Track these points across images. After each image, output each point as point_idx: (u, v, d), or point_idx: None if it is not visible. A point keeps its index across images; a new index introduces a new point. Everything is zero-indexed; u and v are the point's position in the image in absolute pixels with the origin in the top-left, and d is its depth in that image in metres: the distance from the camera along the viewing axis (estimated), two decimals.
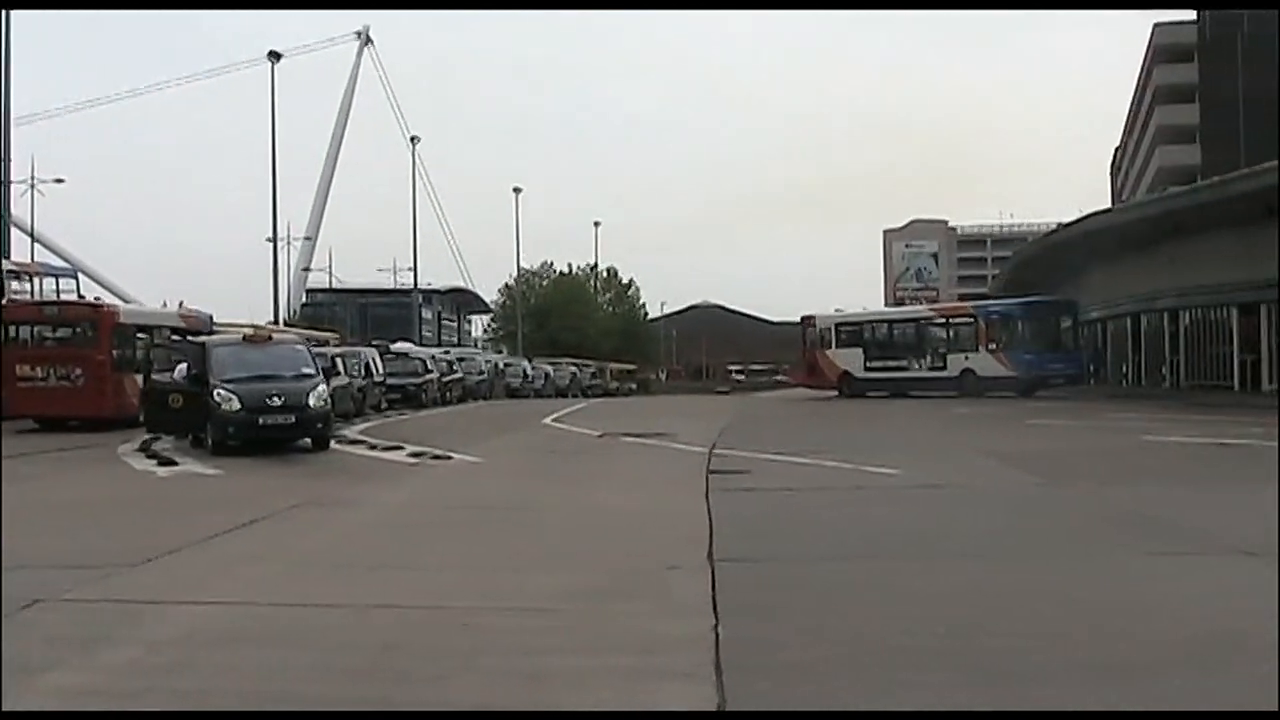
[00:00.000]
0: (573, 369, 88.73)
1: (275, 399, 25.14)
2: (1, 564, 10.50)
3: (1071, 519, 14.35)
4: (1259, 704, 6.65)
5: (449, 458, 23.66)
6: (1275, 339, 48.91)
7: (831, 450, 23.30)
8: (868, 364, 60.07)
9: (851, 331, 62.42)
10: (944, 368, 56.65)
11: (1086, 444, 26.66)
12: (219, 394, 24.93)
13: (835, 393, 60.16)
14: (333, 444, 26.38)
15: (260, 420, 24.88)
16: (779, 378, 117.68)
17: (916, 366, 58.24)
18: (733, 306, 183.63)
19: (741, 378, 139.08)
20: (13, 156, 56.67)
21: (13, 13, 53.47)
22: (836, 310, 69.97)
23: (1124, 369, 69.10)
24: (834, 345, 62.06)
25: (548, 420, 38.14)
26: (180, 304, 44.27)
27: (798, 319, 67.62)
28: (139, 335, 35.24)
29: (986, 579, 10.47)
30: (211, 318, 40.19)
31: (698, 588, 9.79)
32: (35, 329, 35.16)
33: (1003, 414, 39.09)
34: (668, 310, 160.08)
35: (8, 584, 9.55)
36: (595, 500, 16.88)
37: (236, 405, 24.83)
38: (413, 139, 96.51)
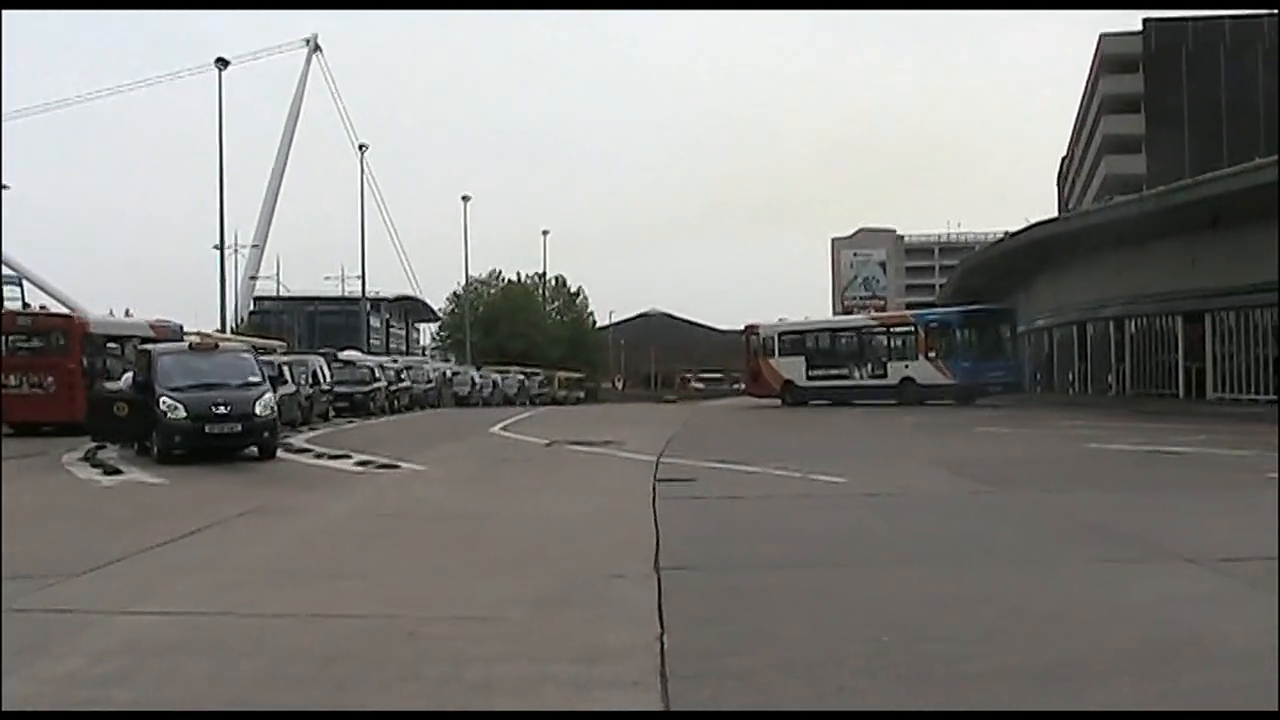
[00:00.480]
0: (520, 377, 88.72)
1: (221, 407, 25.02)
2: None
3: (1017, 526, 14.43)
4: (1211, 707, 6.76)
5: (396, 466, 23.60)
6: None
7: (778, 458, 23.33)
8: (810, 372, 60.24)
9: (794, 340, 62.61)
10: (884, 376, 56.84)
11: (1033, 451, 26.79)
12: (165, 402, 24.82)
13: (779, 401, 60.36)
14: (279, 452, 26.28)
15: (206, 429, 24.79)
16: (738, 386, 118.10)
17: (858, 375, 58.40)
18: (681, 315, 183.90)
19: (701, 386, 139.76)
20: None
21: None
22: (780, 319, 70.17)
23: (1070, 377, 69.54)
24: (777, 354, 62.25)
25: (495, 428, 38.11)
26: (127, 311, 44.29)
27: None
28: (109, 344, 35.97)
29: (932, 586, 10.53)
30: (182, 328, 40.55)
31: (644, 596, 9.81)
32: (9, 339, 35.94)
33: (950, 422, 39.30)
34: (616, 318, 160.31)
35: None
36: (542, 508, 16.86)
37: (182, 413, 24.72)
38: (361, 147, 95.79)
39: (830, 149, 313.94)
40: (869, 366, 58.05)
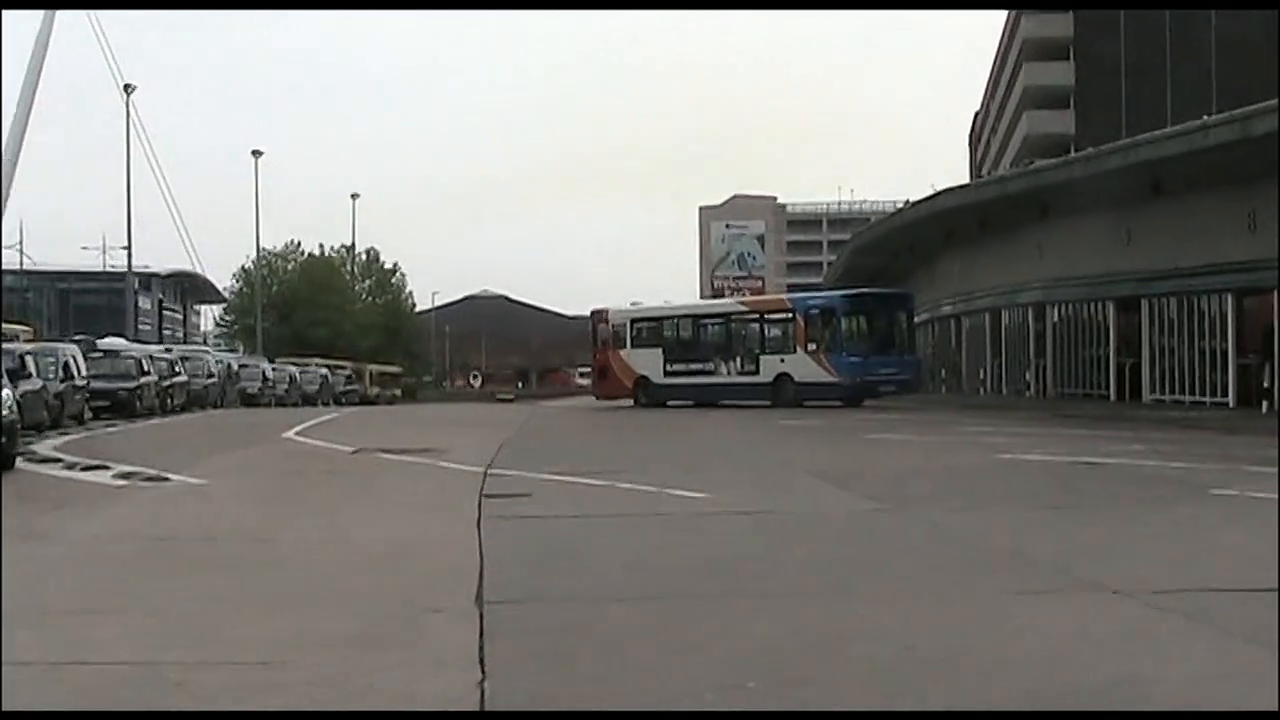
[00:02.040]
0: (323, 372, 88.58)
1: None
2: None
3: (913, 551, 14.56)
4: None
5: (166, 479, 23.41)
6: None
7: (629, 470, 23.52)
8: (669, 367, 60.15)
9: (650, 329, 62.45)
10: (756, 372, 56.79)
11: (934, 463, 27.07)
12: None
13: (631, 401, 60.40)
14: (19, 462, 25.95)
15: None
16: None
17: (725, 371, 58.41)
18: (519, 297, 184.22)
19: (588, 381, 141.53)
20: None
21: None
22: (633, 304, 70.08)
23: (981, 374, 70.50)
24: (629, 345, 62.10)
25: (291, 433, 37.91)
26: None
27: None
28: None
29: (810, 621, 10.61)
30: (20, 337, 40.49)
31: (463, 635, 9.81)
32: None
33: (838, 426, 39.68)
34: (440, 301, 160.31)
35: None
36: (344, 530, 16.83)
37: None
38: (126, 88, 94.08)
39: (699, 103, 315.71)
40: (738, 361, 58.09)
